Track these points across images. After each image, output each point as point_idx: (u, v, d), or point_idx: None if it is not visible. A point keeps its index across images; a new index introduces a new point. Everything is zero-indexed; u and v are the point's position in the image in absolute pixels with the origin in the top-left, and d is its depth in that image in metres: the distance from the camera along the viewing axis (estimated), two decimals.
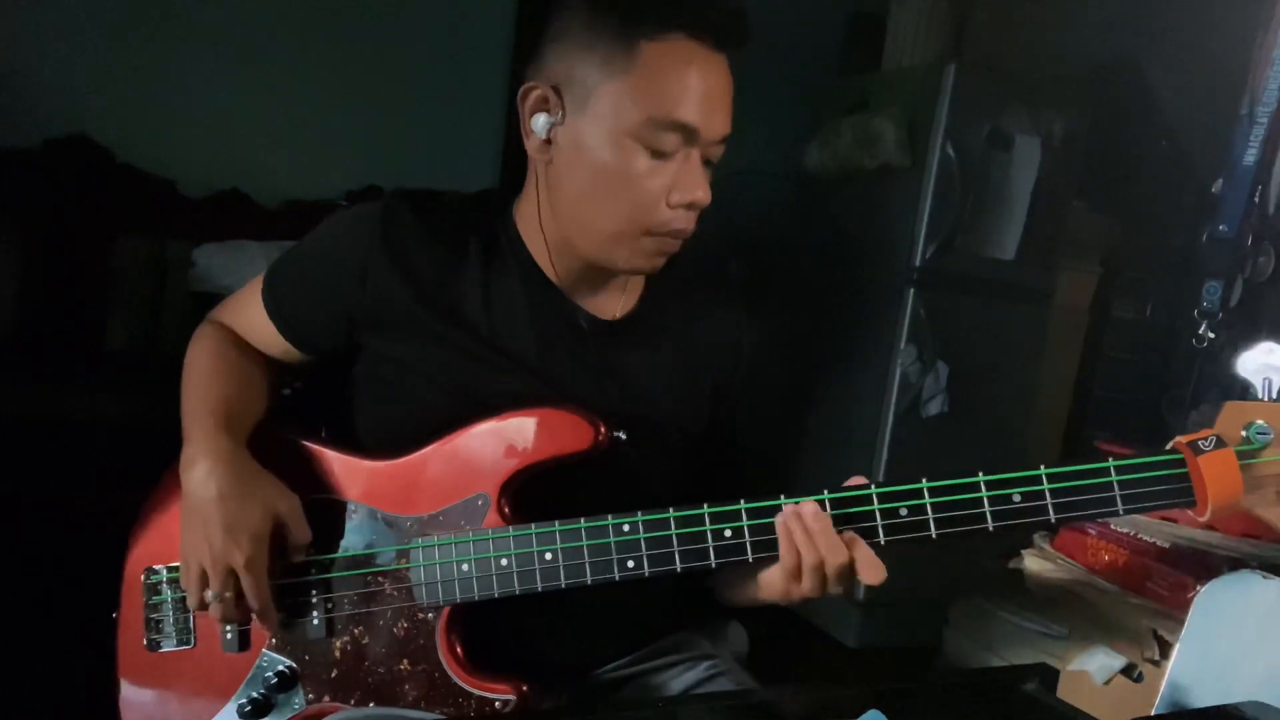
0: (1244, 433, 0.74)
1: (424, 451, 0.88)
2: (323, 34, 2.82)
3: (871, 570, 0.77)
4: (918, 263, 2.49)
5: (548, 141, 0.87)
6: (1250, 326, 1.69)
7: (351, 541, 0.89)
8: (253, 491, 0.86)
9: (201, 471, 0.86)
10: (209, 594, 0.86)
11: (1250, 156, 1.66)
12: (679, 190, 0.85)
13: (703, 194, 0.86)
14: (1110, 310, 2.91)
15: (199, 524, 0.85)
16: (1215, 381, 1.71)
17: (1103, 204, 2.91)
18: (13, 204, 2.42)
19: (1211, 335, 1.71)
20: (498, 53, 3.01)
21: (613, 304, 0.96)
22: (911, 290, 2.50)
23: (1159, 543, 1.43)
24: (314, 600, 0.89)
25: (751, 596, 0.90)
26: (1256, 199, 1.68)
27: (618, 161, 0.84)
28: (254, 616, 0.88)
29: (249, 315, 0.99)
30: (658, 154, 0.84)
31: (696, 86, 0.83)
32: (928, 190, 2.47)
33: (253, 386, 0.96)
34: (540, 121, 0.87)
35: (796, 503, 0.78)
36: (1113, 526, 1.50)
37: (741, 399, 1.02)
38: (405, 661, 0.87)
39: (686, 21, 0.82)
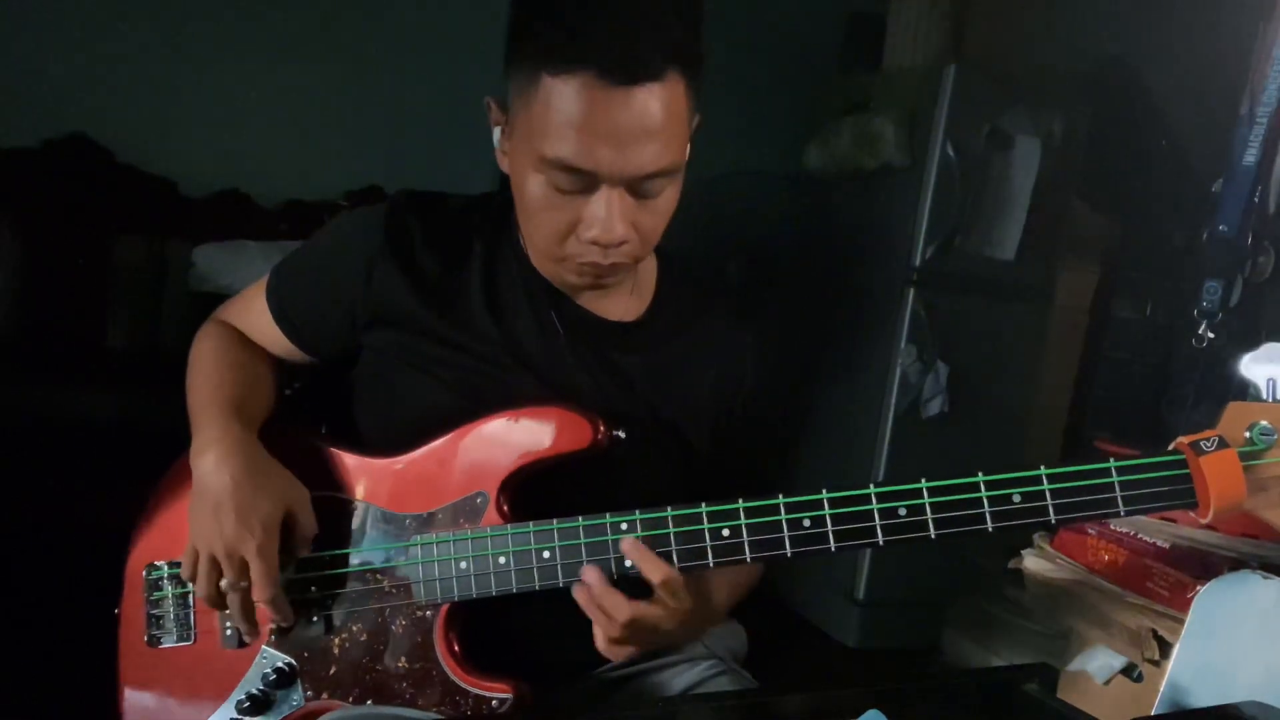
0: (1247, 434, 0.73)
1: (424, 450, 0.88)
2: (323, 34, 2.83)
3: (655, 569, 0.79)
4: (917, 263, 2.49)
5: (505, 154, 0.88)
6: (1250, 326, 1.68)
7: (351, 538, 0.89)
8: (266, 480, 0.85)
9: (214, 458, 0.85)
10: (224, 583, 0.85)
11: (1250, 156, 1.66)
12: (583, 226, 0.82)
13: (608, 233, 0.81)
14: (1110, 310, 2.90)
15: (210, 511, 0.84)
16: (1215, 381, 1.70)
17: (1103, 204, 2.91)
18: (12, 204, 2.43)
19: (1211, 335, 1.70)
20: (497, 53, 3.01)
21: (621, 307, 0.96)
22: (911, 290, 2.50)
23: (1159, 543, 1.43)
24: (313, 597, 0.89)
25: None
26: (1256, 199, 1.68)
27: (530, 189, 0.82)
28: (264, 606, 0.87)
29: (253, 316, 0.99)
30: (557, 190, 0.81)
31: (596, 127, 0.76)
32: (927, 190, 2.46)
33: (260, 383, 0.97)
34: (496, 135, 0.87)
35: (795, 502, 0.78)
36: (1113, 526, 1.50)
37: (745, 414, 1.00)
38: (403, 659, 0.87)
39: (588, 55, 0.74)
